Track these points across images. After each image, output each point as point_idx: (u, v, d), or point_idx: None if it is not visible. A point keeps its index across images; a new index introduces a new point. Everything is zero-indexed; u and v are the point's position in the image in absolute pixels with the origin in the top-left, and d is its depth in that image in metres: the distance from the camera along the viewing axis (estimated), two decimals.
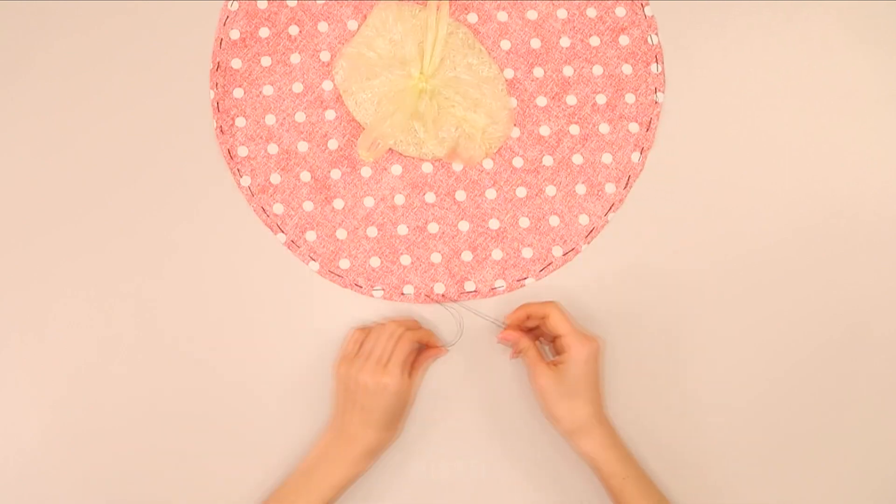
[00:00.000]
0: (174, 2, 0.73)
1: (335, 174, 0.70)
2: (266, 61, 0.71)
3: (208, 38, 0.73)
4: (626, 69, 0.72)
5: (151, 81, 0.73)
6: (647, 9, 0.73)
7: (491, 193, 0.71)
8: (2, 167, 0.72)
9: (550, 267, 0.70)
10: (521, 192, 0.71)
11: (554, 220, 0.71)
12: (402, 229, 0.70)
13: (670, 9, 0.74)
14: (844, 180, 0.72)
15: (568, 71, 0.71)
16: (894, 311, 0.71)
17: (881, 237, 0.72)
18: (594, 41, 0.72)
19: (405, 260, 0.70)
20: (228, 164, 0.71)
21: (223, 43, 0.72)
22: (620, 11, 0.72)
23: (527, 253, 0.70)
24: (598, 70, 0.72)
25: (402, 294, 0.70)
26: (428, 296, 0.69)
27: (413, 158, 0.70)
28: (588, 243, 0.71)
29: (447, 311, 0.70)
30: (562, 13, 0.72)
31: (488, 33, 0.72)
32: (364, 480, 0.67)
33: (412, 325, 0.68)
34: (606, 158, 0.72)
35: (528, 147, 0.71)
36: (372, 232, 0.70)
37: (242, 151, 0.71)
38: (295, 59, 0.71)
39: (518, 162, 0.71)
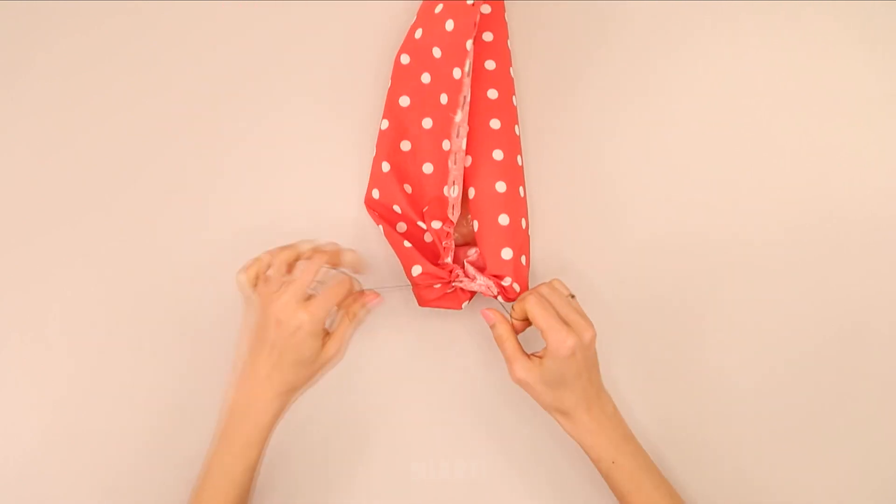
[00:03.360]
0: (177, 2, 0.73)
1: None
2: None
3: (210, 38, 0.73)
4: None
5: (152, 82, 0.73)
6: None
7: None
8: (3, 167, 0.72)
9: None
10: None
11: None
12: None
13: (666, 8, 0.74)
14: (842, 180, 0.72)
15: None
16: (892, 309, 0.71)
17: (879, 237, 0.72)
18: None
19: None
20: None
21: None
22: None
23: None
24: None
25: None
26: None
27: None
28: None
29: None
30: None
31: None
32: (364, 480, 0.67)
33: (350, 263, 0.62)
34: None
35: None
36: None
37: None
38: None
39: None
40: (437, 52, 0.66)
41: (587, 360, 0.61)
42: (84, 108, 0.73)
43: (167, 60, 0.73)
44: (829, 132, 0.73)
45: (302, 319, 0.57)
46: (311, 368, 0.60)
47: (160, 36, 0.74)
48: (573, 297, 0.64)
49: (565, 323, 0.60)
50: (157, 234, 0.71)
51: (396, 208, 0.68)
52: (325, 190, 0.73)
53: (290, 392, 0.60)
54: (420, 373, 0.70)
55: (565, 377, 0.60)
